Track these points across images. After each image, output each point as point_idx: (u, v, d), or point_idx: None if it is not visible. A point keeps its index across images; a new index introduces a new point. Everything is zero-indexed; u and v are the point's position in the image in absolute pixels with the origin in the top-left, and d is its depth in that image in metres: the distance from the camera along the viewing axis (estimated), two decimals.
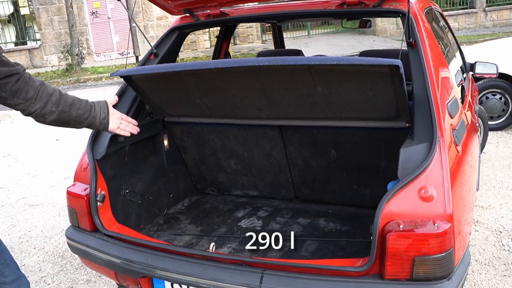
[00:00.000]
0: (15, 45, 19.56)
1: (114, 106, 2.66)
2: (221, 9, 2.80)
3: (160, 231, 2.84)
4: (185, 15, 2.95)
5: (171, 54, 2.95)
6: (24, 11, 18.18)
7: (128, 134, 2.30)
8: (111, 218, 2.52)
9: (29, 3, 17.94)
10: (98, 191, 2.46)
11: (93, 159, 2.50)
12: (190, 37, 18.79)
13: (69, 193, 2.53)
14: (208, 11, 2.84)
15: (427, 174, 1.85)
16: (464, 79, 3.83)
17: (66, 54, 15.34)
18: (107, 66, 16.12)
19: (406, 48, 2.29)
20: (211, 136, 3.01)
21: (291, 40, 20.18)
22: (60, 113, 1.96)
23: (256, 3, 2.89)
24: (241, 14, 2.84)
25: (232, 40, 19.51)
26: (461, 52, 4.13)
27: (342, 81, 2.19)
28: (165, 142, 3.08)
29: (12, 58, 17.39)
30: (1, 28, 31.66)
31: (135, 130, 2.33)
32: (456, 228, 1.87)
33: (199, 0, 2.80)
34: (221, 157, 3.10)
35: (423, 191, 1.83)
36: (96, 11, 17.69)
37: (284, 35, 20.95)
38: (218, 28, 4.04)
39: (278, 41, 4.64)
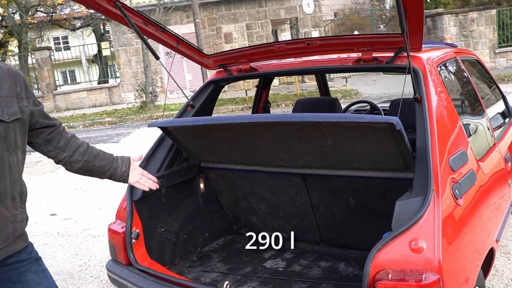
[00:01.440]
0: (98, 83, 21.11)
1: (152, 154, 2.97)
2: (251, 65, 3.07)
3: (192, 267, 3.07)
4: (220, 69, 3.24)
5: (207, 106, 3.24)
6: (106, 52, 19.67)
7: (147, 189, 2.48)
8: (144, 254, 2.79)
9: (111, 44, 19.39)
10: (133, 229, 2.75)
11: (131, 200, 2.80)
12: None
13: (109, 230, 2.85)
14: (240, 66, 3.11)
15: (419, 226, 1.97)
16: (505, 124, 3.82)
17: (141, 92, 16.35)
18: (179, 104, 16.94)
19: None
20: (242, 181, 3.24)
21: (359, 77, 20.27)
22: (85, 162, 2.24)
23: (280, 60, 3.13)
24: (268, 69, 3.10)
25: (301, 78, 19.97)
26: (503, 97, 4.13)
27: (349, 135, 2.36)
28: (201, 185, 3.34)
29: (94, 96, 18.86)
30: (88, 67, 34.20)
31: (154, 186, 2.49)
32: (448, 280, 1.95)
33: (231, 57, 3.09)
34: (252, 200, 3.31)
35: (413, 243, 1.94)
36: (171, 51, 18.74)
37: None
38: None
39: (323, 88, 4.83)
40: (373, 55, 2.63)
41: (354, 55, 2.75)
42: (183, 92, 3.28)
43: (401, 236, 1.96)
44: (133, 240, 2.74)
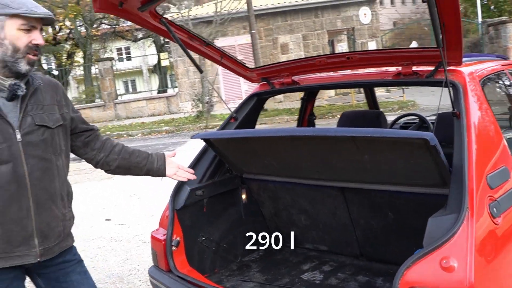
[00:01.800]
0: (157, 93, 21.81)
1: (195, 165, 3.08)
2: (292, 78, 3.11)
3: (231, 276, 3.13)
4: (263, 83, 3.31)
5: (250, 118, 3.30)
6: (165, 62, 20.34)
7: (185, 179, 2.61)
8: (184, 261, 2.88)
9: (170, 55, 20.02)
10: (174, 237, 2.85)
11: (173, 209, 2.90)
12: None
13: (152, 237, 2.97)
14: (282, 79, 3.16)
15: (451, 244, 1.93)
16: None
17: (197, 102, 16.74)
18: None
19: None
20: (283, 193, 3.28)
21: (417, 88, 19.76)
22: (121, 160, 2.38)
23: (322, 73, 3.16)
24: (309, 83, 3.13)
25: (357, 89, 19.78)
26: None
27: (384, 150, 2.35)
28: (243, 196, 3.40)
29: (152, 105, 19.52)
30: (149, 77, 35.33)
31: (192, 177, 2.62)
32: None
33: (274, 71, 3.15)
34: (292, 212, 3.34)
35: (444, 261, 1.91)
36: None
37: None
38: None
39: (371, 100, 4.80)
40: (413, 69, 2.61)
41: (394, 69, 2.74)
42: (225, 105, 3.37)
43: (432, 254, 1.92)
44: (173, 248, 2.83)
